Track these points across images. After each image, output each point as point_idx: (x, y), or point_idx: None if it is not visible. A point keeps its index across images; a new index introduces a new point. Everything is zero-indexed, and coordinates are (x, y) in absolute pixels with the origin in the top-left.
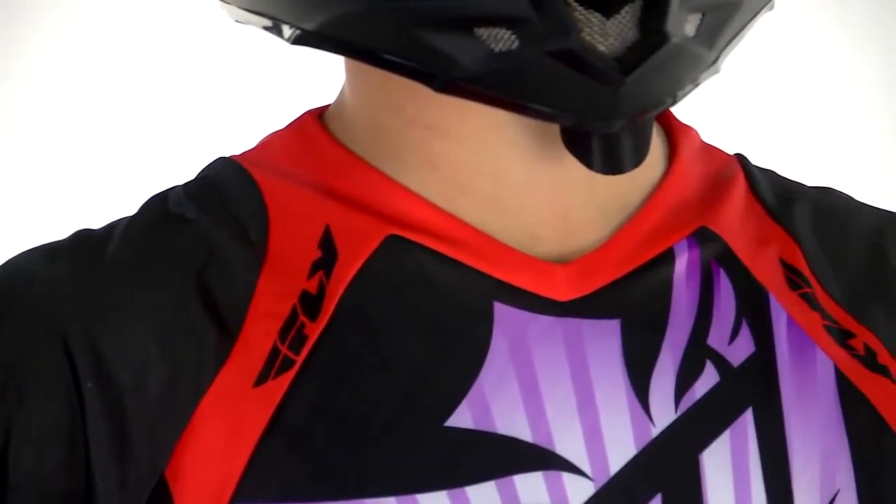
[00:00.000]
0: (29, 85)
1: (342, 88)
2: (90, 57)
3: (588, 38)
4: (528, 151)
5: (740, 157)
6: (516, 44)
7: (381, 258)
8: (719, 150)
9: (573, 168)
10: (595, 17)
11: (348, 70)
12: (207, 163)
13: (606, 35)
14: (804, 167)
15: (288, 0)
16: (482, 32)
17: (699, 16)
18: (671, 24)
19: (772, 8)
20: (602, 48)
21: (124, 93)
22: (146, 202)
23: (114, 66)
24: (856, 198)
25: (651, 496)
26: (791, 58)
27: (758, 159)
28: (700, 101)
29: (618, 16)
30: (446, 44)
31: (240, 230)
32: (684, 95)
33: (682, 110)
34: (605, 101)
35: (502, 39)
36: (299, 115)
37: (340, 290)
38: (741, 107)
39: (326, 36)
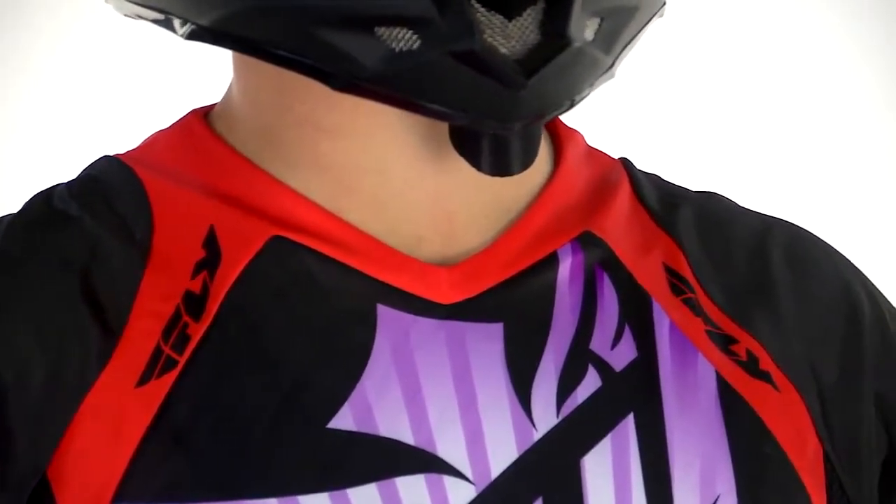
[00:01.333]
0: (29, 89)
1: (229, 88)
2: (89, 62)
3: (490, 39)
4: (416, 153)
5: (625, 162)
6: (418, 44)
7: (265, 259)
8: (605, 154)
9: (459, 171)
10: (497, 19)
11: (237, 69)
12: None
13: (508, 37)
14: (805, 167)
15: None
16: (383, 32)
17: (598, 21)
18: (573, 28)
19: (662, 15)
20: (504, 50)
21: (124, 94)
22: (29, 200)
23: (111, 69)
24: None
25: (532, 500)
26: (791, 57)
27: (759, 159)
28: (699, 101)
29: (520, 18)
30: (346, 43)
31: (124, 229)
32: (581, 99)
33: (685, 111)
34: (506, 103)
35: (403, 39)
36: (184, 113)
37: (224, 291)
38: (741, 106)
39: (223, 32)
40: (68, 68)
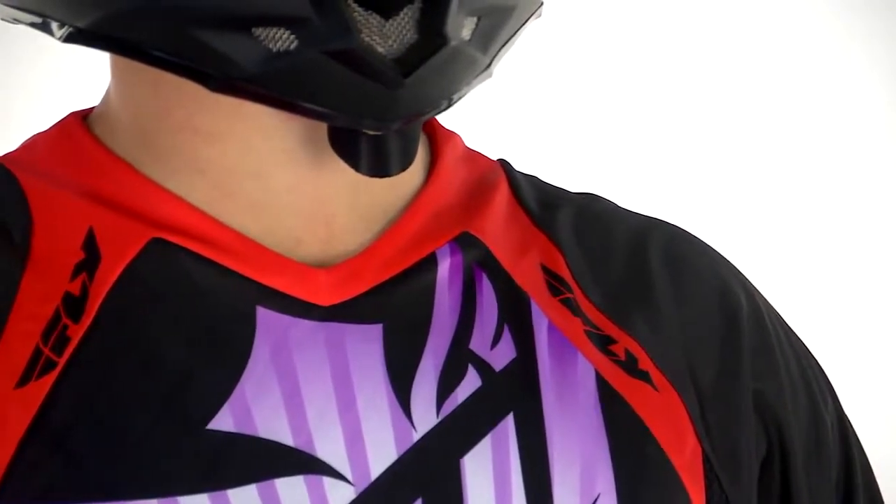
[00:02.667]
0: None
1: (107, 90)
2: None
3: (367, 39)
4: (294, 156)
5: (504, 163)
6: (295, 44)
7: (144, 261)
8: (483, 156)
9: (338, 173)
10: (374, 19)
11: (115, 72)
12: None
13: (385, 36)
14: (807, 167)
15: None
16: (260, 32)
17: (475, 20)
18: (450, 27)
19: (539, 16)
20: (381, 49)
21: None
22: None
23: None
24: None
25: (412, 501)
26: (794, 57)
27: (760, 159)
28: (699, 101)
29: (397, 17)
30: (223, 43)
31: (2, 232)
32: (459, 98)
33: (689, 109)
34: (383, 103)
35: (280, 39)
36: (64, 116)
37: (103, 293)
38: (743, 106)
39: (101, 34)
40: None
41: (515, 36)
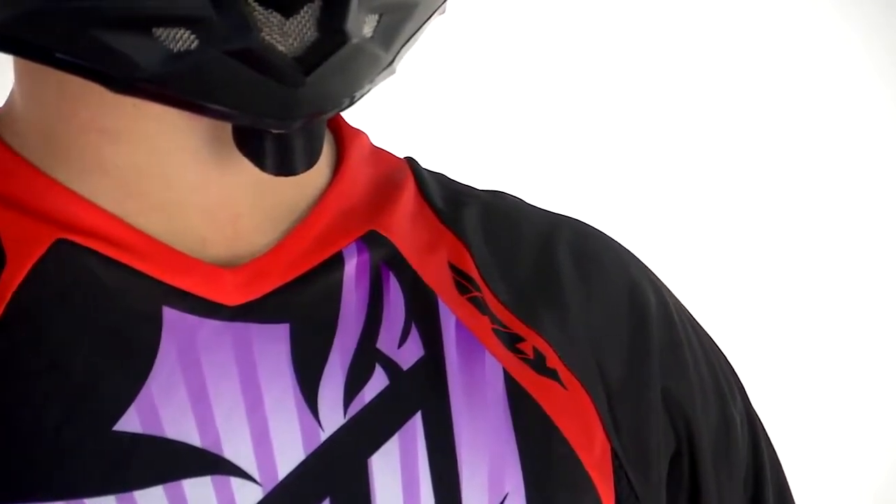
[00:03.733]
0: None
1: (12, 92)
2: None
3: (268, 37)
4: (200, 156)
5: (411, 161)
6: (195, 44)
7: (49, 262)
8: (390, 154)
9: (243, 173)
10: (275, 17)
11: (19, 74)
12: None
13: (286, 35)
14: (807, 167)
15: None
16: (161, 33)
17: (377, 17)
18: (351, 25)
19: (443, 12)
20: (282, 48)
21: None
22: None
23: None
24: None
25: (319, 501)
26: (796, 58)
27: (762, 159)
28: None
29: (297, 16)
30: (124, 44)
31: None
32: (361, 96)
33: (684, 109)
34: (285, 102)
35: (181, 39)
36: None
37: (9, 295)
38: (743, 105)
39: (3, 37)
40: None
41: (419, 33)
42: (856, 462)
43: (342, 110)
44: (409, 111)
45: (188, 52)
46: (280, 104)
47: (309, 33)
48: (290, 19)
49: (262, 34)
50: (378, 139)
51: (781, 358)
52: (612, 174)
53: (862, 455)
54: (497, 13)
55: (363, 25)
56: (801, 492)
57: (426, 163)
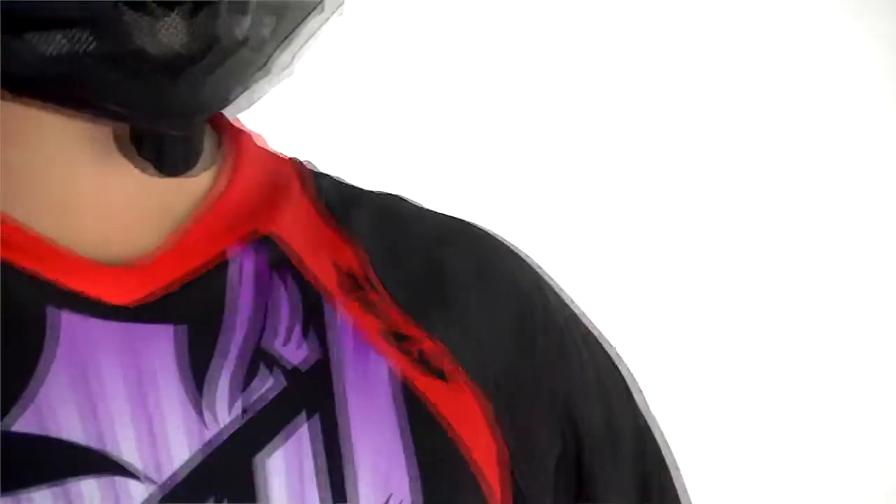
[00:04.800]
0: None
1: None
2: None
3: (138, 41)
4: (84, 157)
5: (300, 163)
6: (66, 47)
7: None
8: (278, 155)
9: (126, 174)
10: (145, 21)
11: None
12: None
13: (156, 38)
14: (807, 167)
15: None
16: (32, 36)
17: (248, 19)
18: (220, 28)
19: (322, 11)
20: (152, 51)
21: None
22: None
23: None
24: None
25: (207, 499)
26: (799, 57)
27: (762, 158)
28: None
29: (167, 19)
30: None
31: None
32: (235, 97)
33: (696, 106)
34: (154, 104)
35: (53, 43)
36: None
37: None
38: (743, 105)
39: None
40: None
41: (294, 34)
42: (858, 465)
43: (215, 112)
44: (408, 112)
45: (59, 56)
46: (149, 107)
47: (179, 37)
48: (160, 22)
49: (133, 38)
50: (377, 140)
51: (782, 358)
52: (612, 174)
53: (864, 458)
54: (492, 13)
55: (234, 28)
56: (805, 494)
57: (425, 163)
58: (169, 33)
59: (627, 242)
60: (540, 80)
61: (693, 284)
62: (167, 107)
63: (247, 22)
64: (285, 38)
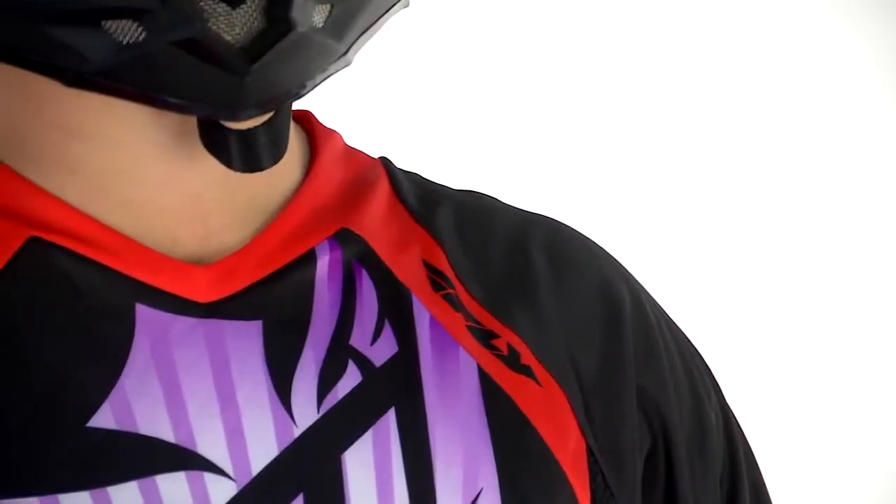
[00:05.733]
0: None
1: None
2: None
3: (214, 27)
4: (167, 152)
5: (384, 161)
6: (143, 35)
7: (22, 260)
8: (363, 153)
9: (212, 170)
10: (221, 7)
11: None
12: None
13: (232, 24)
14: (807, 167)
15: None
16: (109, 25)
17: (328, 7)
18: (296, 13)
19: (406, 5)
20: (228, 38)
21: None
22: None
23: None
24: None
25: (293, 496)
26: (800, 57)
27: (762, 158)
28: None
29: (244, 5)
30: (74, 38)
31: None
32: (314, 86)
33: (684, 108)
34: (232, 91)
35: (129, 31)
36: None
37: None
38: (742, 106)
39: None
40: None
41: (377, 24)
42: (856, 466)
43: (292, 100)
44: (406, 111)
45: (136, 44)
46: (228, 94)
47: (255, 23)
48: (237, 9)
49: (209, 24)
50: (379, 139)
51: (782, 359)
52: (612, 174)
53: (862, 459)
54: (488, 12)
55: (312, 15)
56: (803, 495)
57: (425, 163)
58: (246, 20)
59: (627, 242)
60: (540, 80)
61: (693, 284)
62: (242, 95)
63: (325, 9)
64: (367, 28)
